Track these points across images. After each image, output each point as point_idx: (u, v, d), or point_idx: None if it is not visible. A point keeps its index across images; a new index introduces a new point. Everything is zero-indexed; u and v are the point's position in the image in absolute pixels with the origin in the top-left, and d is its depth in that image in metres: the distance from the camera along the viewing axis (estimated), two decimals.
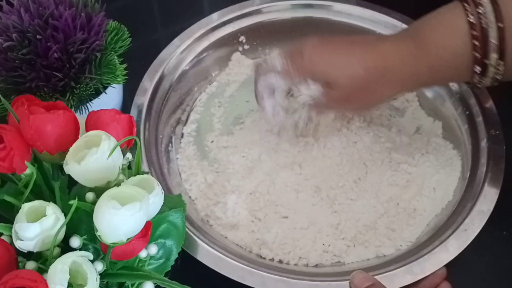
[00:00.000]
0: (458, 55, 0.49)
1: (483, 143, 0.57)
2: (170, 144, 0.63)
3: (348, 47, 0.52)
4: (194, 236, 0.51)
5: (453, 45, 0.49)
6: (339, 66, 0.51)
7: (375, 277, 0.47)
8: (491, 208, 0.52)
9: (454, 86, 0.62)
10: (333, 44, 0.53)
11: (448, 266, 0.49)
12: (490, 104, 0.60)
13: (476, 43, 0.47)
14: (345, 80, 0.51)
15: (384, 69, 0.50)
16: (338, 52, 0.52)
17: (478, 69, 0.48)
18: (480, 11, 0.47)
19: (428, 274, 0.49)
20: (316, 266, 0.54)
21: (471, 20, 0.47)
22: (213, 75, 0.70)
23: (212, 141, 0.64)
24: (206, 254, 0.50)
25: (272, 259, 0.54)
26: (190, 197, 0.60)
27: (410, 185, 0.59)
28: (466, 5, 0.48)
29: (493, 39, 0.47)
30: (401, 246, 0.55)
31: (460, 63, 0.49)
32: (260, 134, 0.63)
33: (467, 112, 0.61)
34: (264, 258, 0.55)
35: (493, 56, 0.47)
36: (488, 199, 0.53)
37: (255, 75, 0.57)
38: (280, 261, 0.55)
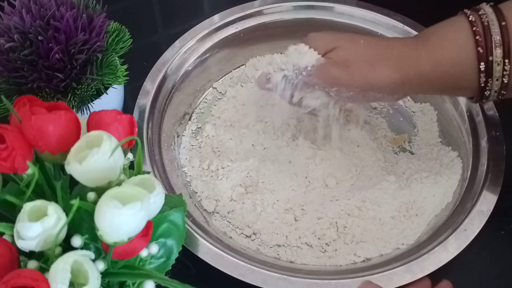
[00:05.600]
0: (461, 48, 0.48)
1: (483, 143, 0.58)
2: (173, 143, 0.64)
3: (356, 36, 0.54)
4: (195, 234, 0.51)
5: (455, 38, 0.49)
6: (343, 37, 0.54)
7: (374, 275, 0.47)
8: (491, 208, 0.52)
9: None
10: (339, 33, 0.56)
11: (447, 265, 0.49)
12: (490, 104, 0.60)
13: (479, 38, 0.47)
14: (348, 44, 0.53)
15: (386, 46, 0.52)
16: (345, 35, 0.55)
17: (482, 66, 0.47)
18: (481, 12, 0.48)
19: (427, 273, 0.49)
20: (315, 264, 0.54)
21: (472, 19, 0.48)
22: (215, 75, 0.70)
23: (215, 140, 0.64)
24: (207, 252, 0.50)
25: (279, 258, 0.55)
26: (192, 195, 0.60)
27: (410, 186, 0.59)
28: (466, 10, 0.49)
29: (496, 34, 0.46)
30: (402, 245, 0.55)
31: (464, 58, 0.48)
32: (263, 137, 0.64)
33: (468, 114, 0.61)
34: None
35: (498, 51, 0.46)
36: (487, 199, 0.53)
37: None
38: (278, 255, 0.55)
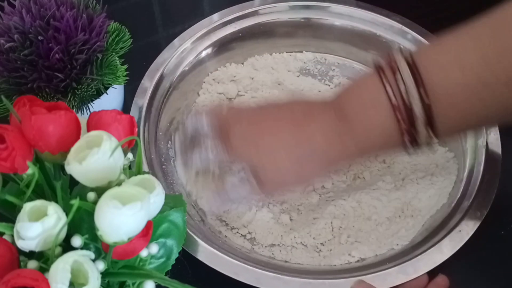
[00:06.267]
0: (385, 129, 0.46)
1: (480, 143, 0.58)
2: (170, 142, 0.64)
3: (275, 132, 0.50)
4: (191, 233, 0.51)
5: (377, 120, 0.46)
6: (266, 161, 0.49)
7: (368, 276, 0.48)
8: (486, 210, 0.52)
9: None
10: (259, 129, 0.50)
11: (447, 265, 0.50)
12: None
13: (399, 115, 0.45)
14: (273, 175, 0.50)
15: (311, 152, 0.49)
16: (265, 141, 0.50)
17: (408, 138, 0.46)
18: (397, 76, 0.45)
19: (421, 274, 0.49)
20: (310, 264, 0.55)
21: (389, 92, 0.45)
22: (212, 75, 0.70)
23: None
24: (202, 250, 0.51)
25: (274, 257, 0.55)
26: (188, 194, 0.60)
27: (406, 187, 0.59)
28: (382, 75, 0.46)
29: (416, 106, 0.44)
30: (396, 245, 0.55)
31: (389, 136, 0.46)
32: None
33: None
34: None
35: (420, 122, 0.45)
36: (483, 202, 0.53)
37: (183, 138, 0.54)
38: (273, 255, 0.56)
